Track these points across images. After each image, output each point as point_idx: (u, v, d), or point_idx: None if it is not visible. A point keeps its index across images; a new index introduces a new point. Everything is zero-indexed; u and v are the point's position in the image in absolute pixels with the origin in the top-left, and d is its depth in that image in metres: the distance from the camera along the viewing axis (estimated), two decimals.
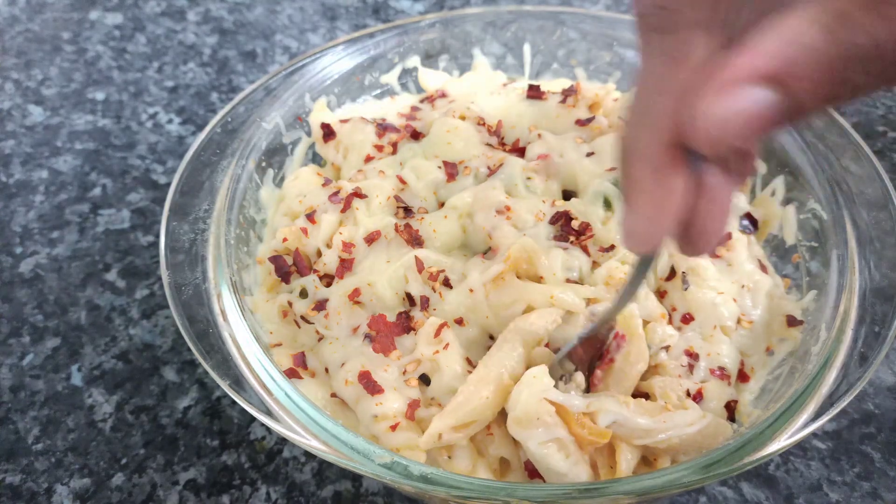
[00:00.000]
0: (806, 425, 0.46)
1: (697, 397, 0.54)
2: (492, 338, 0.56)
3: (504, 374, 0.51)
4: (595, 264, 0.59)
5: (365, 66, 0.78)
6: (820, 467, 0.62)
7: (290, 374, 0.57)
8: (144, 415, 0.68)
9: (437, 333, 0.54)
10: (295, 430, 0.47)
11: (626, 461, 0.49)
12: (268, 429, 0.66)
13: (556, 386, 0.50)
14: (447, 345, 0.53)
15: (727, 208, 0.38)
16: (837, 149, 0.64)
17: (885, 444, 0.64)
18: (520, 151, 0.68)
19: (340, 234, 0.62)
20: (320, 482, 0.63)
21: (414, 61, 0.81)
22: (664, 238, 0.38)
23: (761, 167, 0.70)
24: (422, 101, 0.79)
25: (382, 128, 0.73)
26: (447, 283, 0.57)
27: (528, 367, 0.52)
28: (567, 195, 0.65)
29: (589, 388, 0.54)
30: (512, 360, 0.52)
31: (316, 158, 0.75)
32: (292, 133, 0.73)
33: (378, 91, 0.80)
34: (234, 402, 0.67)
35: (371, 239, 0.61)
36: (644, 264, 0.44)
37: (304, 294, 0.62)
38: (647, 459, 0.52)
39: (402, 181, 0.65)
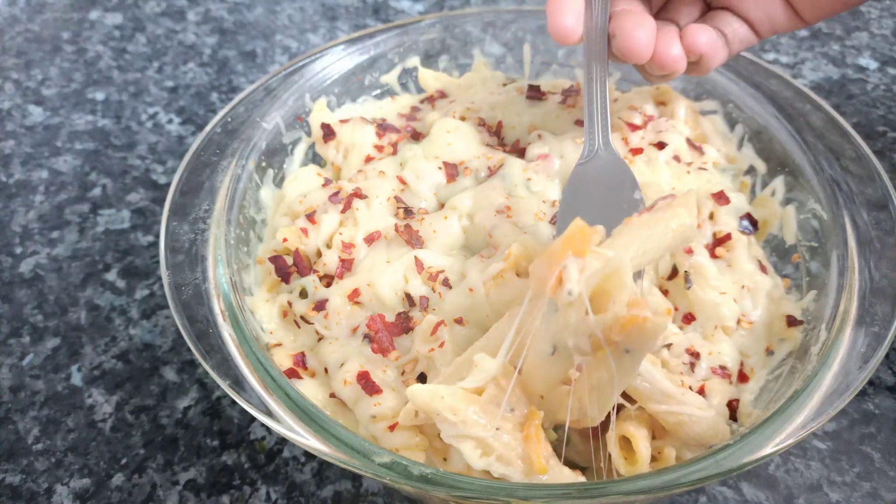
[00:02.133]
0: (806, 425, 0.46)
1: (700, 394, 0.54)
2: None
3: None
4: None
5: (365, 66, 0.78)
6: (820, 467, 0.62)
7: (290, 374, 0.57)
8: (144, 415, 0.68)
9: (434, 331, 0.54)
10: (295, 430, 0.47)
11: (645, 447, 0.50)
12: (268, 429, 0.66)
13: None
14: (443, 343, 0.53)
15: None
16: (837, 149, 0.64)
17: (885, 444, 0.64)
18: (520, 152, 0.68)
19: (340, 234, 0.62)
20: (320, 482, 0.63)
21: (414, 61, 0.81)
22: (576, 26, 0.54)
23: (761, 167, 0.70)
24: (422, 102, 0.79)
25: (382, 128, 0.73)
26: (447, 284, 0.58)
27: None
28: None
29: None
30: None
31: (316, 158, 0.75)
32: (292, 133, 0.73)
33: (378, 91, 0.80)
34: (234, 402, 0.67)
35: (371, 239, 0.61)
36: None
37: (304, 294, 0.62)
38: (652, 456, 0.53)
39: (403, 182, 0.65)
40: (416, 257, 0.58)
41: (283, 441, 0.65)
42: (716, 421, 0.51)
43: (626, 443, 0.51)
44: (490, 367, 0.47)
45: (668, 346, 0.57)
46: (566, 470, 0.48)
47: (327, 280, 0.61)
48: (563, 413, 0.51)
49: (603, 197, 0.55)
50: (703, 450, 0.51)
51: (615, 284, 0.41)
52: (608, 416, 0.51)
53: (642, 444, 0.50)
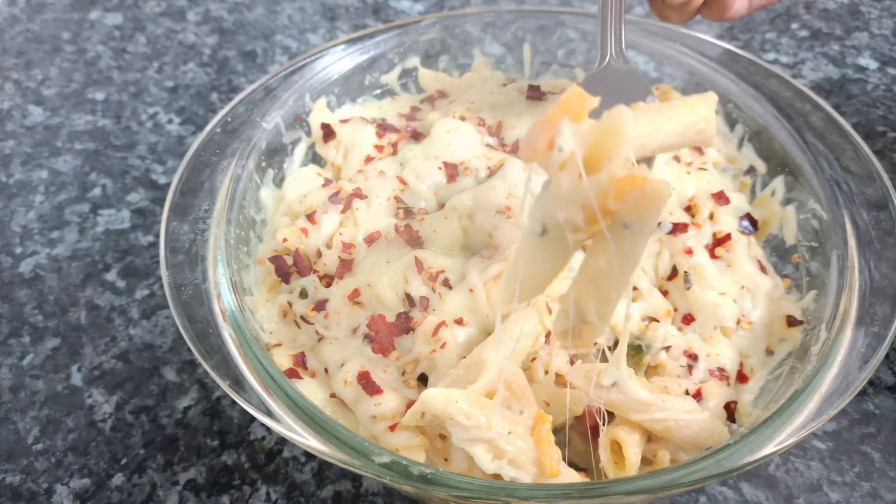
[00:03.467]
0: (806, 425, 0.46)
1: (696, 397, 0.54)
2: None
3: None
4: None
5: (365, 67, 0.78)
6: (820, 467, 0.62)
7: (290, 374, 0.57)
8: (144, 415, 0.68)
9: (435, 332, 0.54)
10: (295, 430, 0.47)
11: (634, 454, 0.50)
12: (268, 429, 0.66)
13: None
14: (444, 344, 0.53)
15: None
16: (837, 149, 0.64)
17: (885, 444, 0.64)
18: None
19: (340, 234, 0.62)
20: (320, 482, 0.63)
21: (414, 61, 0.81)
22: None
23: (761, 167, 0.70)
24: (422, 102, 0.79)
25: (382, 128, 0.73)
26: (447, 284, 0.57)
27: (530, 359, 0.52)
28: None
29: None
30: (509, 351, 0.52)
31: (316, 158, 0.75)
32: (292, 133, 0.73)
33: (378, 91, 0.80)
34: (234, 402, 0.67)
35: (371, 239, 0.61)
36: None
37: (304, 294, 0.62)
38: (647, 459, 0.53)
39: (403, 182, 0.65)
40: (416, 257, 0.58)
41: (283, 441, 0.65)
42: (710, 423, 0.51)
43: (618, 447, 0.51)
44: (498, 358, 0.46)
45: (667, 348, 0.57)
46: (573, 472, 0.48)
47: (327, 280, 0.61)
48: (562, 414, 0.51)
49: (614, 105, 0.53)
50: (700, 452, 0.51)
51: (613, 142, 0.36)
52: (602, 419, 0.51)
53: (631, 450, 0.50)
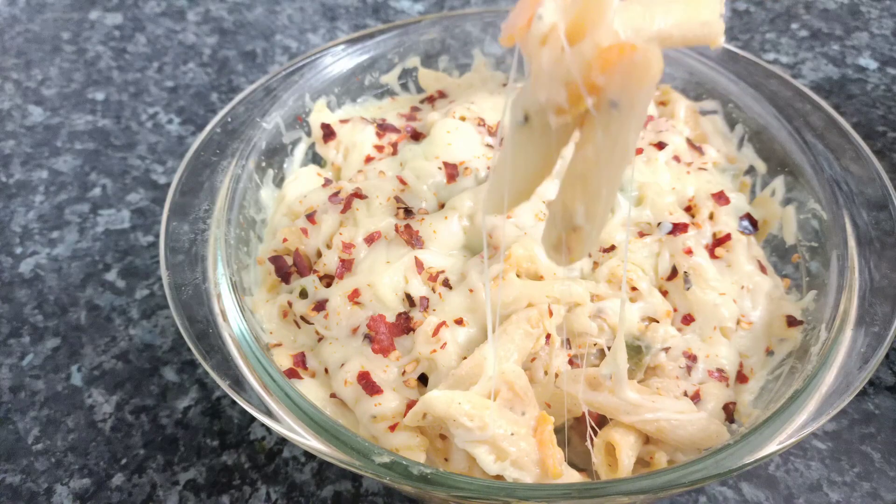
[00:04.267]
0: (806, 425, 0.46)
1: (695, 398, 0.54)
2: None
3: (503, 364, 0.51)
4: (595, 265, 0.59)
5: (365, 67, 0.78)
6: (820, 467, 0.62)
7: (290, 374, 0.57)
8: (144, 415, 0.68)
9: (436, 333, 0.54)
10: (295, 430, 0.47)
11: (627, 457, 0.50)
12: (268, 429, 0.66)
13: None
14: (444, 344, 0.53)
15: None
16: (837, 149, 0.64)
17: (885, 444, 0.64)
18: None
19: (340, 234, 0.62)
20: (320, 482, 0.63)
21: (414, 61, 0.81)
22: None
23: (761, 167, 0.70)
24: (422, 102, 0.79)
25: (382, 128, 0.73)
26: (447, 284, 0.58)
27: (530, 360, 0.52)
28: None
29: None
30: (511, 352, 0.52)
31: (316, 158, 0.75)
32: (292, 133, 0.73)
33: (378, 91, 0.80)
34: (234, 402, 0.67)
35: (371, 239, 0.61)
36: None
37: (304, 294, 0.62)
38: (645, 462, 0.53)
39: (403, 182, 0.65)
40: (416, 257, 0.58)
41: (283, 441, 0.65)
42: (706, 423, 0.51)
43: (613, 449, 0.51)
44: (493, 356, 0.46)
45: (667, 349, 0.57)
46: (574, 473, 0.48)
47: (327, 280, 0.61)
48: (563, 415, 0.51)
49: None
50: (697, 453, 0.51)
51: (598, 7, 0.32)
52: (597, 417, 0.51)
53: (624, 453, 0.50)
